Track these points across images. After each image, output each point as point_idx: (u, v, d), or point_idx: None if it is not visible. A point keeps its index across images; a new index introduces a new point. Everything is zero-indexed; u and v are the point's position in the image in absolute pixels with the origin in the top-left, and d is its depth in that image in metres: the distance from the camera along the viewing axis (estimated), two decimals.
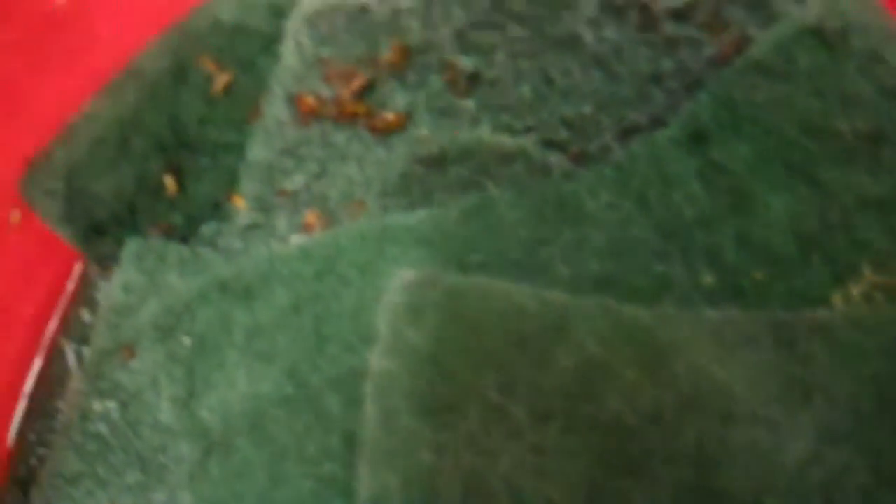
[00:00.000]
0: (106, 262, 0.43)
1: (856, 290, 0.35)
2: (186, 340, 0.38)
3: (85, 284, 0.46)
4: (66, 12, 0.42)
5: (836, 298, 0.35)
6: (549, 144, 0.39)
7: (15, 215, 0.44)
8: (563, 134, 0.39)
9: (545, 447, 0.31)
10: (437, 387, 0.32)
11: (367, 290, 0.36)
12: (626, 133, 0.39)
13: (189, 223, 0.43)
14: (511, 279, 0.35)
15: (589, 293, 0.36)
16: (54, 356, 0.45)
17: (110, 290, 0.41)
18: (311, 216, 0.40)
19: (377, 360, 0.33)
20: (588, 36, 0.37)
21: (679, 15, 0.37)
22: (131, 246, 0.41)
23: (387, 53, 0.39)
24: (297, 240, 0.40)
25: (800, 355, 0.33)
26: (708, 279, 0.36)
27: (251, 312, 0.37)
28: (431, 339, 0.32)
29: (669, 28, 0.37)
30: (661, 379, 0.33)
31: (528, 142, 0.39)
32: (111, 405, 0.38)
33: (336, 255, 0.37)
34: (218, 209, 0.43)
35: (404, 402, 0.32)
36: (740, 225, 0.36)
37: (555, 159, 0.39)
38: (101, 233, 0.43)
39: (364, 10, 0.38)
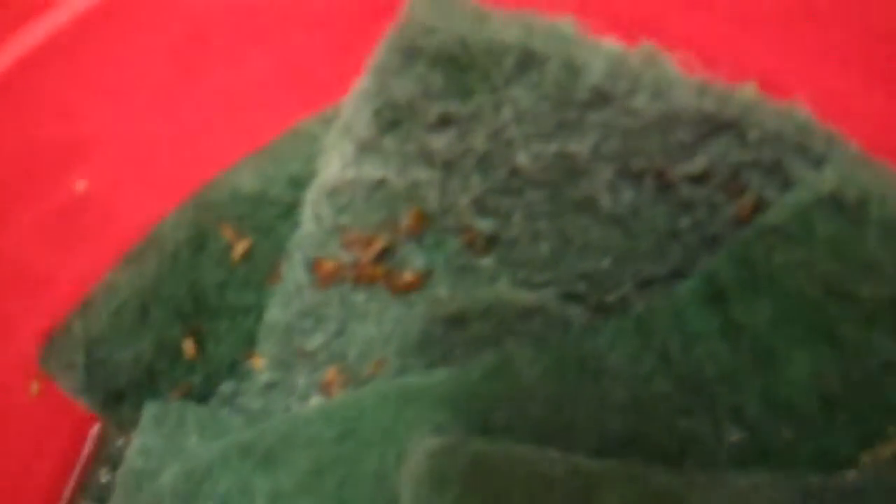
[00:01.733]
0: (125, 426, 0.43)
1: (885, 451, 0.34)
2: None
3: (102, 444, 0.46)
4: (87, 193, 0.43)
5: (866, 459, 0.34)
6: (568, 297, 0.39)
7: (34, 386, 0.44)
8: (581, 287, 0.39)
9: None
10: None
11: (389, 452, 0.36)
12: (645, 285, 0.39)
13: (208, 383, 0.44)
14: (535, 440, 0.35)
15: (614, 452, 0.35)
16: None
17: (129, 455, 0.41)
18: (330, 374, 0.41)
19: None
20: (605, 199, 0.38)
21: (696, 179, 0.37)
22: (150, 410, 0.41)
23: (405, 220, 0.39)
24: (317, 400, 0.41)
25: None
26: (734, 437, 0.35)
27: (273, 477, 0.37)
28: None
29: (686, 190, 0.38)
30: None
31: (547, 296, 0.39)
32: None
33: (357, 417, 0.37)
34: (237, 369, 0.44)
35: None
36: (764, 383, 0.35)
37: (574, 312, 0.39)
38: (120, 399, 0.43)
39: (382, 182, 0.39)
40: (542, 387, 0.37)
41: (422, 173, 0.38)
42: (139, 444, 0.41)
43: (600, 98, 0.36)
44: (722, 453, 0.35)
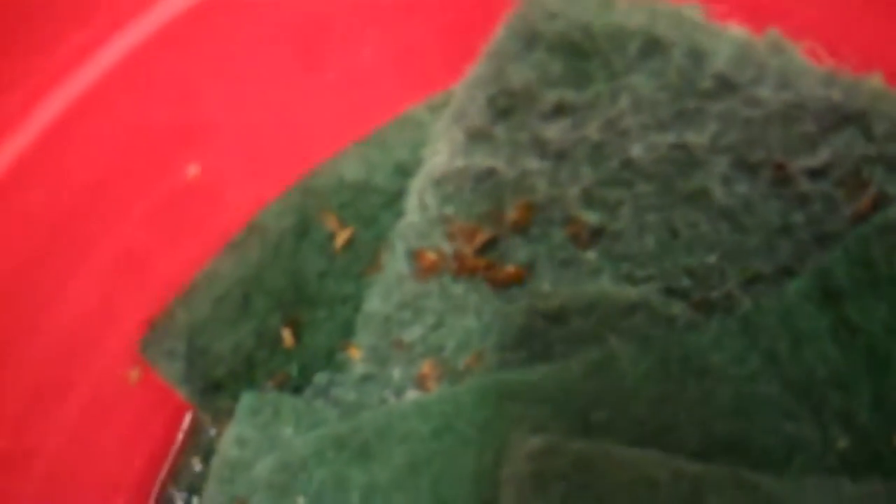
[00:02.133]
0: (220, 416, 0.44)
1: None
2: (301, 500, 0.37)
3: (195, 433, 0.47)
4: (198, 182, 0.44)
5: None
6: (672, 293, 0.39)
7: (134, 374, 0.45)
8: (685, 282, 0.39)
9: None
10: None
11: (487, 449, 0.36)
12: (751, 282, 0.38)
13: (304, 373, 0.44)
14: (637, 439, 0.35)
15: (717, 455, 0.35)
16: None
17: (224, 444, 0.41)
18: (426, 367, 0.41)
19: None
20: (718, 191, 0.37)
21: (816, 173, 0.36)
22: (246, 400, 0.41)
23: (512, 212, 0.39)
24: (412, 394, 0.41)
25: None
26: (842, 443, 0.35)
27: (368, 472, 0.37)
28: None
29: (804, 185, 0.37)
30: None
31: (651, 291, 0.39)
32: None
33: (455, 413, 0.37)
34: (332, 359, 0.44)
35: None
36: (877, 387, 0.35)
37: (678, 309, 0.39)
38: (218, 389, 0.44)
39: (491, 171, 0.39)
40: (644, 385, 0.36)
41: (533, 163, 0.38)
42: (234, 433, 0.41)
43: (724, 86, 0.35)
44: (830, 460, 0.35)
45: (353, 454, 0.38)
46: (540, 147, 0.38)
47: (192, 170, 0.44)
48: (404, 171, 0.44)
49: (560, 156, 0.38)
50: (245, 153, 0.45)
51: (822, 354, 0.35)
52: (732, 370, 0.36)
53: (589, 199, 0.38)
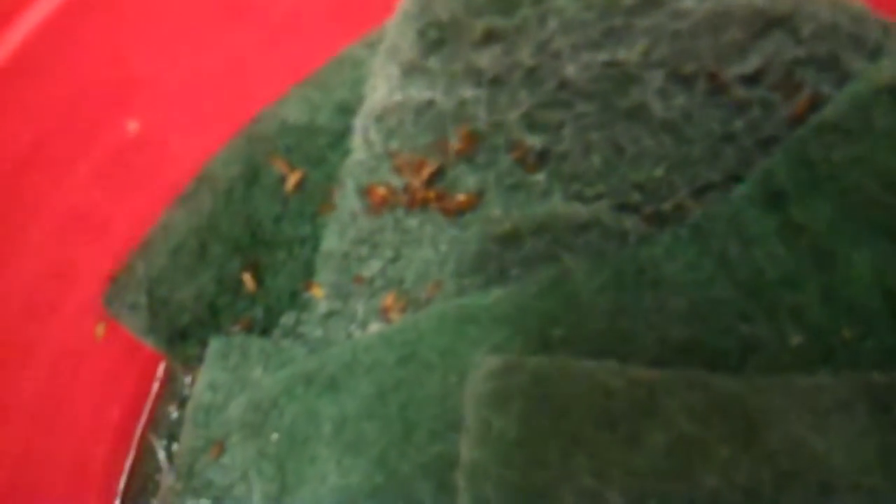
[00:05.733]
0: (190, 363, 0.45)
1: None
2: (275, 436, 0.39)
3: (169, 382, 0.49)
4: (140, 134, 0.45)
5: None
6: (623, 209, 0.40)
7: (100, 329, 0.47)
8: (635, 197, 0.40)
9: None
10: (529, 474, 0.33)
11: (450, 373, 0.38)
12: (701, 191, 0.40)
13: (269, 315, 0.45)
14: (594, 352, 0.36)
15: (674, 361, 0.36)
16: (144, 453, 0.47)
17: (196, 390, 0.43)
18: (388, 299, 0.42)
19: (467, 451, 0.34)
20: (656, 105, 0.38)
21: (749, 79, 0.38)
22: (215, 345, 0.43)
23: (455, 141, 0.40)
24: (376, 327, 0.42)
25: None
26: (795, 339, 0.36)
27: (337, 404, 0.39)
28: (520, 425, 0.33)
29: (739, 92, 0.38)
30: (756, 452, 0.33)
31: (602, 208, 0.40)
32: (204, 503, 0.40)
33: (417, 341, 0.39)
34: (296, 299, 0.45)
35: (497, 492, 0.33)
36: (825, 283, 0.36)
37: (630, 223, 0.40)
38: (184, 337, 0.45)
39: (430, 103, 0.40)
40: (599, 300, 0.38)
41: (469, 91, 0.39)
42: (206, 379, 0.43)
43: (648, 2, 0.36)
44: (784, 357, 0.36)
45: (322, 388, 0.39)
46: (475, 75, 0.39)
47: (133, 125, 0.45)
48: (347, 110, 0.45)
49: (496, 82, 0.39)
50: (184, 105, 0.46)
51: (771, 255, 0.37)
52: (686, 277, 0.38)
53: (530, 123, 0.40)
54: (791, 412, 0.34)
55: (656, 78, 0.38)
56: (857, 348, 0.36)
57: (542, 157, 0.40)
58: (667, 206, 0.40)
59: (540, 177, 0.40)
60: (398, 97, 0.40)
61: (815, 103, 0.38)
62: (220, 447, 0.41)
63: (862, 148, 0.36)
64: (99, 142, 0.44)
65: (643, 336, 0.37)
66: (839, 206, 0.36)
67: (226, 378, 0.42)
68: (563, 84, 0.38)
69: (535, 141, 0.40)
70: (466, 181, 0.41)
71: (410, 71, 0.39)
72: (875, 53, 0.37)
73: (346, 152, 0.43)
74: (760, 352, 0.37)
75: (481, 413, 0.34)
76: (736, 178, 0.39)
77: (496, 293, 0.39)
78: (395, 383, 0.38)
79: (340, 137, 0.45)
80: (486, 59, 0.38)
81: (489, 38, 0.38)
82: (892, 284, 0.36)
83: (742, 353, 0.37)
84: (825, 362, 0.36)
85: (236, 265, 0.46)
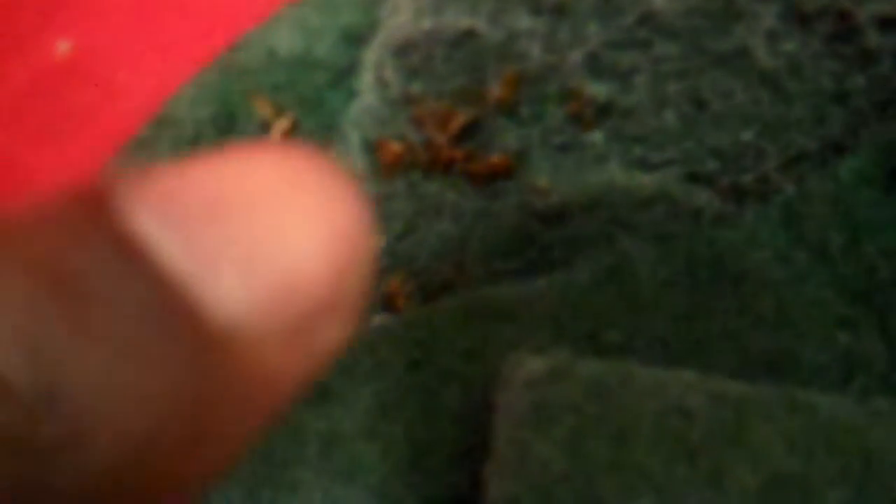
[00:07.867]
0: None
1: None
2: (249, 455, 0.34)
3: None
4: (71, 62, 0.40)
5: None
6: (695, 179, 0.37)
7: None
8: (711, 165, 0.37)
9: None
10: None
11: (475, 383, 0.34)
12: (793, 163, 0.36)
13: None
14: (660, 362, 0.33)
15: (758, 376, 0.33)
16: None
17: None
18: (394, 283, 0.38)
19: (496, 484, 0.30)
20: (760, 50, 0.35)
21: (889, 22, 0.34)
22: None
23: (496, 86, 0.37)
24: (380, 319, 0.38)
25: None
26: None
27: (327, 418, 0.34)
28: (567, 453, 0.30)
29: (872, 38, 0.34)
30: (876, 498, 0.29)
31: (669, 178, 0.37)
32: None
33: (432, 340, 0.35)
34: None
35: None
36: None
37: (703, 199, 0.36)
38: None
39: (470, 34, 0.37)
40: (666, 296, 0.35)
41: (523, 21, 0.36)
42: None
43: None
44: None
45: (310, 399, 0.35)
46: (532, 0, 0.36)
47: (63, 46, 0.40)
48: (355, 39, 0.42)
49: (560, 11, 0.36)
50: (135, 26, 0.42)
51: (885, 250, 0.34)
52: (774, 272, 0.35)
53: (595, 67, 0.37)
54: None
55: (769, 15, 0.34)
56: None
57: (603, 112, 0.37)
58: (749, 178, 0.36)
59: (597, 136, 0.37)
60: (427, 24, 0.37)
61: None
62: None
63: None
64: (15, 68, 0.39)
65: (720, 344, 0.34)
66: None
67: None
68: (646, 17, 0.35)
69: (598, 90, 0.37)
70: (505, 139, 0.38)
71: None
72: None
73: (352, 95, 0.40)
74: (867, 370, 0.34)
75: (517, 434, 0.30)
76: (836, 149, 0.36)
77: (537, 284, 0.36)
78: (402, 394, 0.35)
79: (344, 75, 0.41)
80: None
81: None
82: None
83: (845, 371, 0.34)
84: None
85: None
